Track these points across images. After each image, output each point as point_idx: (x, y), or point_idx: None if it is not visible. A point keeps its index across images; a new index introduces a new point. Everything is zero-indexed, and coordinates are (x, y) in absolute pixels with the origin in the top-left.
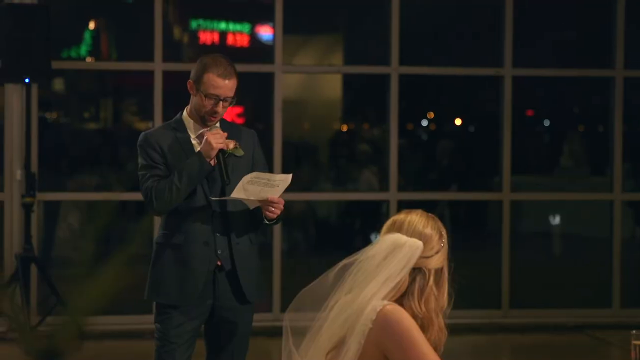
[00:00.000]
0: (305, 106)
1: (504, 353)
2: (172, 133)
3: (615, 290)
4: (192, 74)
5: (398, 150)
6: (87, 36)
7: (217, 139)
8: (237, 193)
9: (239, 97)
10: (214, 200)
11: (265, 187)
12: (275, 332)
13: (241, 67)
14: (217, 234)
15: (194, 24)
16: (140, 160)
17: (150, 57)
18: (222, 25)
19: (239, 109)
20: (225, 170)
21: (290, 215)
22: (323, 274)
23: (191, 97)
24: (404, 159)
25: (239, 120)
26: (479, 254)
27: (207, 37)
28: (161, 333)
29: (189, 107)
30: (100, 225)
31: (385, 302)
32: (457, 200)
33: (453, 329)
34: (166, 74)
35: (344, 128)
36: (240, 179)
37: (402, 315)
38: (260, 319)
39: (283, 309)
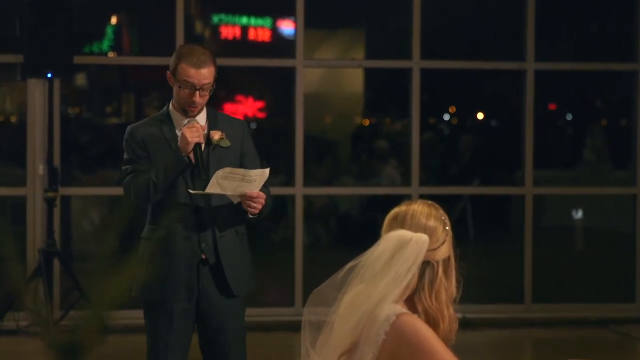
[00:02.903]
0: (327, 100)
1: (527, 348)
2: (158, 126)
3: (638, 284)
4: (170, 65)
5: (420, 145)
6: (109, 31)
7: (193, 132)
8: (212, 188)
9: (261, 92)
10: (196, 195)
11: (241, 183)
12: (297, 327)
13: (263, 62)
14: (201, 228)
15: (215, 18)
16: (124, 155)
17: (172, 52)
18: (244, 20)
19: (260, 104)
20: (202, 164)
21: (312, 209)
22: (332, 275)
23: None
24: (426, 153)
25: (261, 115)
26: (501, 249)
27: (228, 31)
28: (150, 334)
29: (173, 100)
30: (122, 219)
31: (398, 309)
32: (479, 194)
33: (475, 324)
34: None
35: (366, 122)
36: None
37: (417, 325)
38: (281, 314)
39: (305, 303)
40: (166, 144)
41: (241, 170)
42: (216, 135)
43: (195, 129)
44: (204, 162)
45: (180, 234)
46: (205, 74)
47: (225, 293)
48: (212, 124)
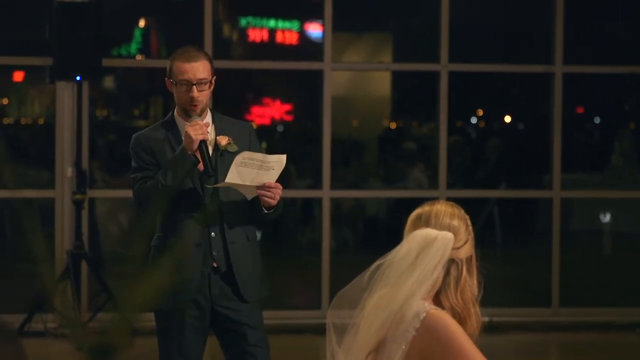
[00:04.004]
0: (355, 103)
1: (554, 352)
2: (163, 132)
3: None
4: (166, 71)
5: (447, 148)
6: (137, 34)
7: (197, 130)
8: (231, 178)
9: (288, 95)
10: (208, 196)
11: (260, 171)
12: (324, 330)
13: (290, 65)
14: (212, 235)
15: (243, 21)
16: (132, 163)
17: None
18: (272, 23)
19: (287, 107)
20: (209, 160)
21: (339, 212)
22: (358, 276)
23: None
24: (453, 156)
25: (288, 118)
26: (528, 252)
27: (256, 34)
28: (163, 342)
29: (176, 106)
30: (151, 221)
31: (427, 305)
32: (506, 198)
33: (502, 327)
34: (216, 72)
35: (393, 125)
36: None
37: (447, 322)
38: (308, 317)
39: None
40: (172, 150)
41: (259, 155)
42: (223, 140)
43: (198, 126)
44: (211, 158)
45: (190, 241)
46: (199, 68)
47: (237, 300)
48: (218, 128)
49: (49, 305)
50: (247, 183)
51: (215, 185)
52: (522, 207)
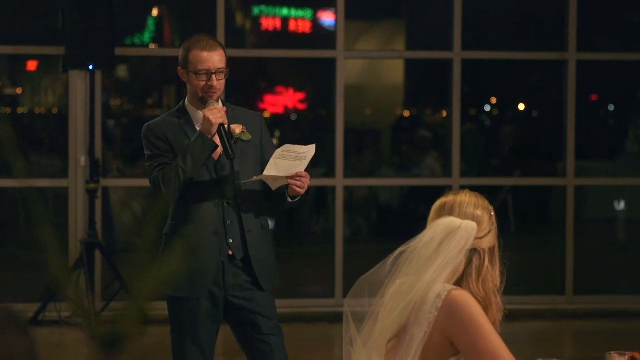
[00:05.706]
0: (368, 92)
1: (568, 339)
2: (176, 120)
3: None
4: (179, 61)
5: (461, 136)
6: (150, 23)
7: (215, 114)
8: (269, 170)
9: (302, 83)
10: (225, 184)
11: (294, 162)
12: (337, 318)
13: (303, 53)
14: (229, 222)
15: (256, 10)
16: (146, 152)
17: None
18: (284, 12)
19: (301, 95)
20: (229, 143)
21: (353, 201)
22: (381, 262)
23: (187, 84)
24: (467, 144)
25: (301, 107)
26: (542, 240)
27: (269, 23)
28: (176, 331)
29: (188, 95)
30: (163, 210)
31: (449, 286)
32: (520, 185)
33: (516, 315)
34: (229, 60)
35: (406, 114)
36: (249, 164)
37: (469, 301)
38: (322, 305)
39: (345, 294)
40: (187, 137)
41: (296, 147)
42: (238, 129)
43: (217, 110)
44: (231, 141)
45: (206, 229)
46: (217, 57)
47: (252, 289)
48: (230, 117)
49: (63, 294)
50: (282, 174)
51: (249, 181)
52: (536, 195)
